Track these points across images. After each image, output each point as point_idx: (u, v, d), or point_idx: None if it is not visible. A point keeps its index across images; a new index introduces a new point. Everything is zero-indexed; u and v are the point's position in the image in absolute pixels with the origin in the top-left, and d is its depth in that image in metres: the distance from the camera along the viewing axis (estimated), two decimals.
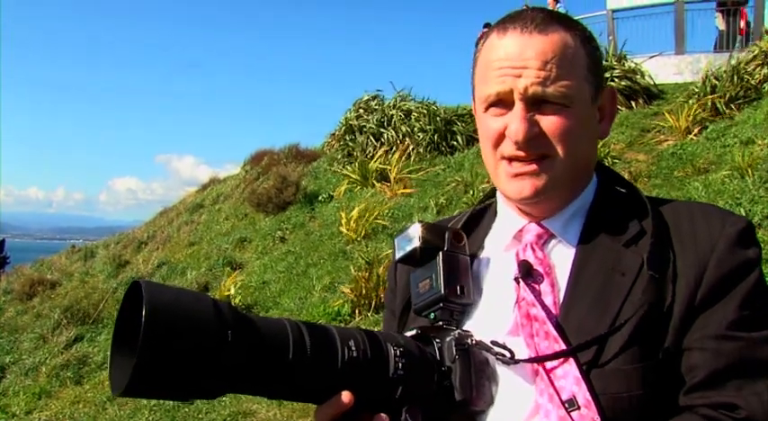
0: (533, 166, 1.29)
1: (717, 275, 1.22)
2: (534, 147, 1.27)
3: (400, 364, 1.16)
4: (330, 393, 1.11)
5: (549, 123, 1.27)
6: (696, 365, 1.20)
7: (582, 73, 1.31)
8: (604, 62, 12.58)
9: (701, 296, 1.21)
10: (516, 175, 1.30)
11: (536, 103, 1.27)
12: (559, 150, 1.28)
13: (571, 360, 1.20)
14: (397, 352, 1.17)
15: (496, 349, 1.24)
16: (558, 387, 1.20)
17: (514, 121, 1.26)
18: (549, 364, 1.21)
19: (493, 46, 1.32)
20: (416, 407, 1.18)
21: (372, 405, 1.15)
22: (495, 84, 1.29)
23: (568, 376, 1.19)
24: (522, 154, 1.28)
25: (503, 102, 1.29)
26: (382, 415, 1.15)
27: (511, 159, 1.30)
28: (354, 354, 1.12)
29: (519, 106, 1.27)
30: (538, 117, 1.27)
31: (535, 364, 1.23)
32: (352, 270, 8.68)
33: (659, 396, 1.19)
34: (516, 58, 1.27)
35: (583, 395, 1.17)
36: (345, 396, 1.10)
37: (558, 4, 16.81)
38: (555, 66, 1.27)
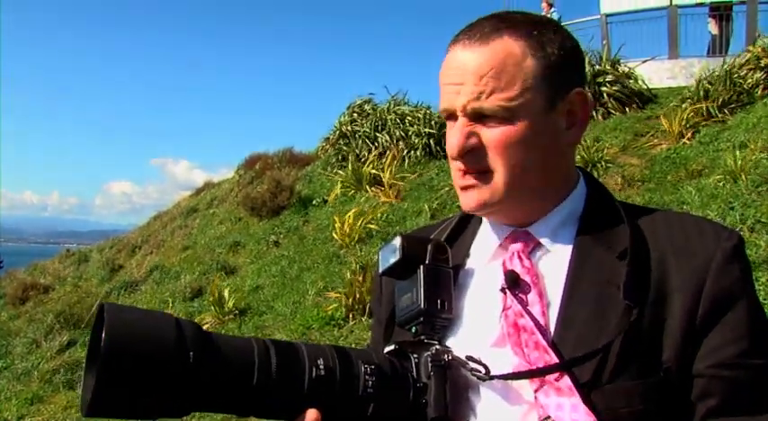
0: (474, 181, 1.29)
1: (716, 291, 1.21)
2: (474, 161, 1.27)
3: (370, 382, 1.15)
4: (298, 412, 1.12)
5: (489, 136, 1.26)
6: (710, 393, 1.19)
7: (529, 83, 1.26)
8: (597, 67, 12.60)
9: (703, 313, 1.20)
10: (463, 188, 1.31)
11: (477, 118, 1.26)
12: (500, 163, 1.27)
13: (565, 375, 1.18)
14: (368, 369, 1.16)
15: (471, 365, 1.22)
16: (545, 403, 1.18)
17: (453, 135, 1.28)
18: (549, 377, 1.19)
19: (445, 60, 1.32)
20: None
21: None
22: (444, 100, 1.30)
23: (562, 388, 1.17)
24: (462, 167, 1.29)
25: (451, 116, 1.30)
26: None
27: (458, 172, 1.31)
28: (322, 373, 1.12)
29: (461, 121, 1.27)
30: (479, 130, 1.27)
31: (536, 381, 1.20)
32: (347, 274, 8.67)
33: (662, 413, 1.18)
34: (456, 74, 1.27)
35: (578, 397, 1.15)
36: (311, 414, 1.11)
37: (552, 9, 16.86)
38: (492, 79, 1.24)
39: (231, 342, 1.11)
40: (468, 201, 1.31)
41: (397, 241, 1.33)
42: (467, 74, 1.25)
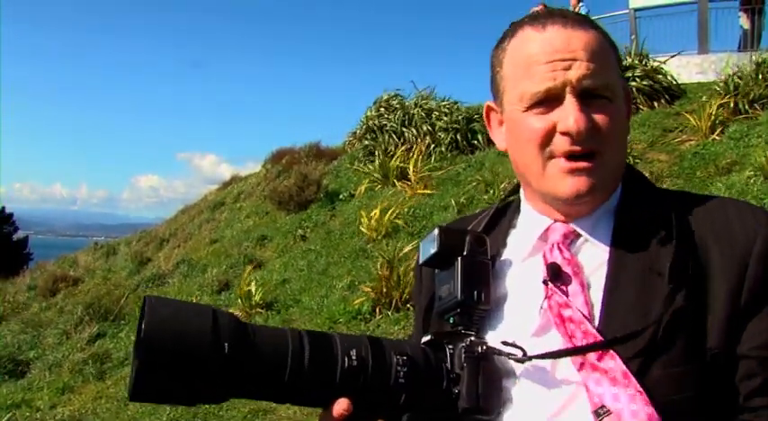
0: (587, 163, 1.26)
1: (759, 276, 1.21)
2: (589, 141, 1.24)
3: (402, 373, 1.18)
4: (331, 400, 1.15)
5: (600, 118, 1.25)
6: (754, 373, 1.20)
7: (616, 69, 1.31)
8: (626, 62, 12.51)
9: (746, 296, 1.21)
10: (571, 172, 1.27)
11: (585, 97, 1.24)
12: (610, 146, 1.27)
13: (616, 357, 1.18)
14: (400, 360, 1.18)
15: (507, 349, 1.23)
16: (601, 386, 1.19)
17: (571, 113, 1.23)
18: (592, 360, 1.20)
19: (531, 40, 1.29)
20: (419, 414, 1.21)
21: (376, 410, 1.19)
22: (543, 79, 1.25)
23: (615, 371, 1.17)
24: (577, 148, 1.24)
25: (549, 99, 1.26)
26: None
27: (563, 156, 1.27)
28: (354, 364, 1.15)
29: (571, 99, 1.23)
30: (589, 111, 1.24)
31: (578, 363, 1.21)
32: (374, 269, 8.69)
33: (711, 398, 1.18)
34: (565, 50, 1.24)
35: (634, 387, 1.16)
36: (343, 403, 1.14)
37: (581, 4, 16.74)
38: (601, 58, 1.26)
39: (266, 332, 1.15)
40: (577, 185, 1.26)
41: (435, 232, 1.35)
42: (578, 50, 1.24)
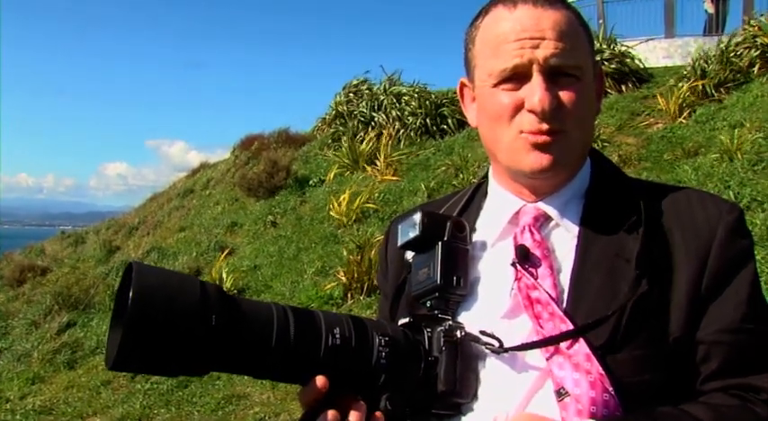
0: (550, 139, 1.27)
1: (720, 263, 1.25)
2: (554, 119, 1.26)
3: (384, 353, 1.19)
4: (312, 377, 1.15)
5: (566, 96, 1.27)
6: (711, 356, 1.23)
7: (587, 48, 1.33)
8: (595, 46, 12.61)
9: (707, 284, 1.24)
10: (534, 146, 1.28)
11: (552, 75, 1.26)
12: (575, 123, 1.29)
13: (580, 339, 1.21)
14: (382, 341, 1.20)
15: (484, 339, 1.25)
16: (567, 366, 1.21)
17: (537, 92, 1.25)
18: (561, 345, 1.22)
19: (502, 18, 1.31)
20: (398, 395, 1.21)
21: (355, 390, 1.19)
22: (510, 57, 1.27)
23: (578, 354, 1.20)
24: (544, 126, 1.26)
25: (517, 76, 1.28)
26: (360, 402, 1.18)
27: (529, 133, 1.28)
28: (338, 342, 1.16)
29: (538, 78, 1.25)
30: (555, 89, 1.26)
31: (547, 350, 1.23)
32: (345, 254, 8.70)
33: (672, 381, 1.22)
34: (533, 28, 1.26)
35: (596, 370, 1.18)
36: (320, 380, 1.13)
37: None
38: (570, 37, 1.28)
39: (252, 306, 1.14)
40: (540, 160, 1.29)
41: (417, 216, 1.36)
42: (546, 29, 1.26)
